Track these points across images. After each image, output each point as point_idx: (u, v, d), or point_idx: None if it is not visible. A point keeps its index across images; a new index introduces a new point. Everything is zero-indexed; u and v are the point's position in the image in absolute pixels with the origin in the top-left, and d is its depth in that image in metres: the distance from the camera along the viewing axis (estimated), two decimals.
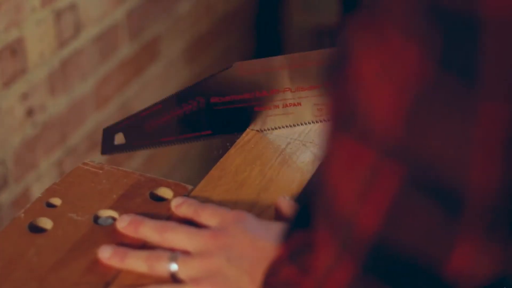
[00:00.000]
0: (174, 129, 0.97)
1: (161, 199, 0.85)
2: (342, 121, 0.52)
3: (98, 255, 0.77)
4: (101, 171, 0.88)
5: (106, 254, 0.76)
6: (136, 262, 0.76)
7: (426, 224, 0.50)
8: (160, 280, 0.75)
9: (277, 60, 0.95)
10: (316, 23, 2.59)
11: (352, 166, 0.51)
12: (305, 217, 0.60)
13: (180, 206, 0.82)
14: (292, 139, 0.96)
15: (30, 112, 1.67)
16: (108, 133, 0.99)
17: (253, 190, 0.87)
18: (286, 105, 0.96)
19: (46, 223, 0.81)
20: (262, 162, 0.92)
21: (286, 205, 0.82)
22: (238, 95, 0.96)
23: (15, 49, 1.59)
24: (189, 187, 0.86)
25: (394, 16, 0.48)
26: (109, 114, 1.95)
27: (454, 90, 0.47)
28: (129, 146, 0.99)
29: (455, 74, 0.46)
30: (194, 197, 0.85)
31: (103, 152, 0.99)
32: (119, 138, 0.98)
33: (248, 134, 0.97)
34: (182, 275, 0.75)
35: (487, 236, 0.50)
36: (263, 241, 0.75)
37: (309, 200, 0.60)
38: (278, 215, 0.83)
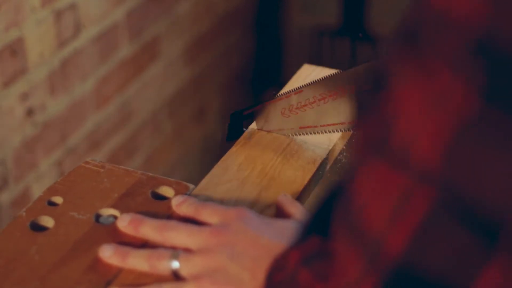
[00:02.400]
0: (315, 117, 0.94)
1: (162, 197, 0.85)
2: (375, 145, 0.53)
3: (99, 254, 0.77)
4: (102, 170, 0.88)
5: (107, 253, 0.76)
6: (137, 261, 0.76)
7: (454, 249, 0.51)
8: (161, 278, 0.75)
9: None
10: (316, 23, 2.59)
11: (383, 188, 0.53)
12: (321, 223, 0.61)
13: (180, 205, 0.82)
14: (293, 137, 0.96)
15: (30, 112, 1.67)
16: (237, 118, 0.96)
17: (255, 189, 0.87)
18: None
19: (47, 221, 0.81)
20: (264, 160, 0.92)
21: (287, 202, 0.82)
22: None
23: (15, 49, 1.59)
24: (191, 185, 0.86)
25: (440, 49, 0.49)
26: (109, 114, 1.95)
27: (499, 125, 0.48)
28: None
29: (501, 109, 0.48)
30: (196, 196, 0.85)
31: (229, 138, 0.96)
32: (252, 127, 0.97)
33: (250, 133, 0.97)
34: (183, 273, 0.75)
35: None
36: (264, 238, 0.75)
37: (326, 209, 0.61)
38: (279, 213, 0.83)
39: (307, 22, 2.60)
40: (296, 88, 0.94)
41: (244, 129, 0.97)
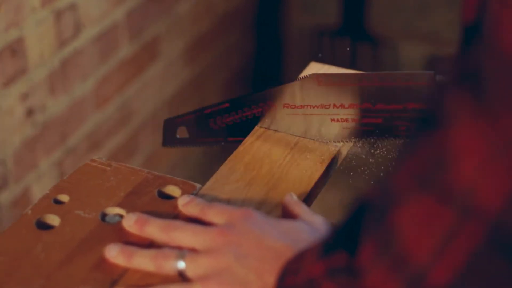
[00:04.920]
0: (241, 129, 0.96)
1: (169, 197, 0.85)
2: (424, 179, 0.55)
3: (105, 254, 0.76)
4: (109, 168, 0.87)
5: (113, 252, 0.76)
6: (143, 261, 0.75)
7: (498, 286, 0.53)
8: (167, 278, 0.74)
9: (354, 76, 0.92)
10: (316, 23, 2.59)
11: (430, 221, 0.55)
12: (347, 239, 0.62)
13: (187, 205, 0.81)
14: (301, 138, 0.95)
15: (30, 112, 1.66)
16: (170, 125, 0.98)
17: (262, 189, 0.87)
18: (363, 121, 0.93)
19: (53, 219, 0.81)
20: (271, 160, 0.91)
21: (293, 203, 0.82)
22: (313, 105, 0.94)
23: (15, 49, 1.59)
24: (197, 185, 0.86)
25: (505, 95, 0.50)
26: (109, 114, 1.94)
27: None
28: (192, 141, 0.99)
29: None
30: (203, 196, 0.84)
31: (165, 143, 0.99)
32: (182, 132, 0.98)
33: (257, 132, 0.96)
34: (189, 273, 0.74)
35: None
36: (270, 239, 0.74)
37: (353, 225, 0.62)
38: (285, 213, 0.82)
39: (307, 22, 2.60)
40: (220, 103, 0.96)
41: (178, 136, 0.98)
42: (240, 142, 0.95)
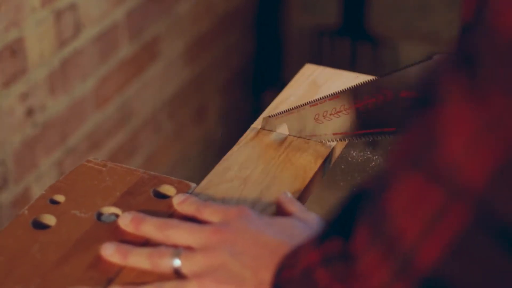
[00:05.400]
0: (351, 124, 0.93)
1: (164, 196, 0.85)
2: (415, 157, 0.55)
3: (101, 252, 0.77)
4: (104, 169, 0.88)
5: (109, 251, 0.76)
6: (139, 259, 0.76)
7: (487, 266, 0.54)
8: (162, 276, 0.75)
9: None
10: (316, 23, 2.59)
11: (420, 200, 0.55)
12: (343, 226, 0.63)
13: (182, 203, 0.82)
14: (295, 136, 0.96)
15: (30, 112, 1.67)
16: (269, 123, 0.97)
17: (256, 188, 0.87)
18: None
19: (49, 219, 0.81)
20: (266, 159, 0.92)
21: (287, 201, 0.83)
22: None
23: (15, 49, 1.59)
24: (192, 184, 0.86)
25: (498, 76, 0.51)
26: (109, 114, 1.95)
27: None
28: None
29: None
30: (197, 194, 0.85)
31: None
32: (282, 129, 0.96)
33: (252, 132, 0.97)
34: (185, 271, 0.75)
35: None
36: (265, 236, 0.75)
37: (348, 212, 0.63)
38: (279, 211, 0.83)
39: (307, 22, 2.60)
40: (331, 94, 0.93)
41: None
42: (349, 138, 0.93)
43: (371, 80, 0.91)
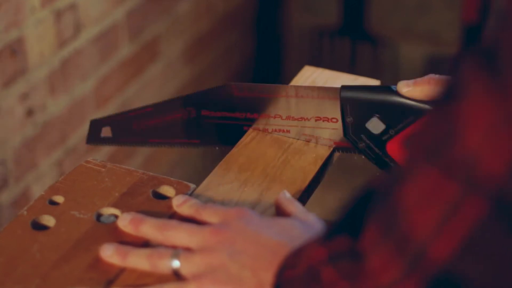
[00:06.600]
0: (162, 133, 1.00)
1: (163, 197, 0.85)
2: (430, 152, 0.55)
3: (100, 253, 0.77)
4: (103, 169, 0.88)
5: (108, 252, 0.77)
6: (138, 260, 0.76)
7: (502, 261, 0.53)
8: (162, 277, 0.75)
9: (274, 88, 0.96)
10: (316, 23, 2.59)
11: (433, 195, 0.55)
12: (351, 224, 0.63)
13: (181, 205, 0.82)
14: (295, 139, 0.96)
15: (30, 112, 1.67)
16: (96, 125, 1.03)
17: (256, 190, 0.87)
18: (275, 130, 0.96)
19: (49, 220, 0.81)
20: (265, 161, 0.92)
21: (286, 201, 0.83)
22: (230, 112, 0.98)
23: (15, 49, 1.59)
24: (192, 185, 0.86)
25: None
26: (109, 114, 1.95)
27: None
28: (115, 140, 1.04)
29: None
30: (197, 196, 0.85)
31: (88, 141, 1.04)
32: (106, 131, 1.02)
33: (251, 133, 0.97)
34: (184, 272, 0.75)
35: None
36: (264, 237, 0.75)
37: (357, 210, 0.63)
38: (278, 211, 0.83)
39: (307, 22, 2.60)
40: (145, 106, 1.01)
41: (102, 135, 1.04)
42: (160, 144, 1.02)
43: (180, 97, 1.00)
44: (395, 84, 0.90)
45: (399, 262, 0.57)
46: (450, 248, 0.54)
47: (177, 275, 0.75)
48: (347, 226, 0.64)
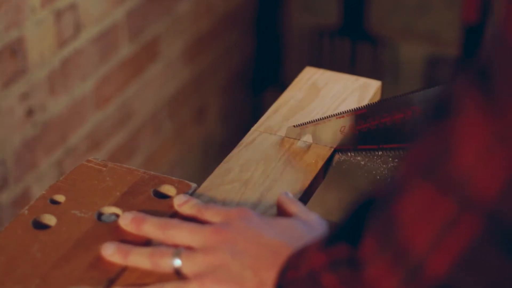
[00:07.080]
0: (375, 137, 0.93)
1: (164, 196, 0.85)
2: (426, 168, 0.56)
3: (101, 252, 0.77)
4: (104, 169, 0.88)
5: (109, 251, 0.77)
6: (139, 259, 0.76)
7: (496, 277, 0.54)
8: (163, 276, 0.75)
9: None
10: (316, 23, 2.59)
11: (430, 210, 0.55)
12: (351, 232, 0.63)
13: (183, 205, 0.82)
14: (296, 139, 0.96)
15: (30, 112, 1.67)
16: (294, 132, 0.96)
17: (257, 190, 0.87)
18: None
19: (50, 219, 0.81)
20: (266, 162, 0.92)
21: (288, 201, 0.83)
22: None
23: (15, 49, 1.59)
24: (193, 184, 0.86)
25: (510, 87, 0.51)
26: (109, 114, 1.95)
27: None
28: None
29: None
30: (198, 196, 0.85)
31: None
32: (307, 138, 0.96)
33: (252, 134, 0.97)
34: (186, 271, 0.75)
35: None
36: (266, 237, 0.75)
37: (357, 218, 0.63)
38: (279, 211, 0.83)
39: (307, 22, 2.60)
40: (358, 108, 0.93)
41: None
42: (373, 150, 0.93)
43: (400, 95, 0.91)
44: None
45: (396, 274, 0.57)
46: (447, 263, 0.55)
47: (178, 274, 0.75)
48: (347, 233, 0.64)
